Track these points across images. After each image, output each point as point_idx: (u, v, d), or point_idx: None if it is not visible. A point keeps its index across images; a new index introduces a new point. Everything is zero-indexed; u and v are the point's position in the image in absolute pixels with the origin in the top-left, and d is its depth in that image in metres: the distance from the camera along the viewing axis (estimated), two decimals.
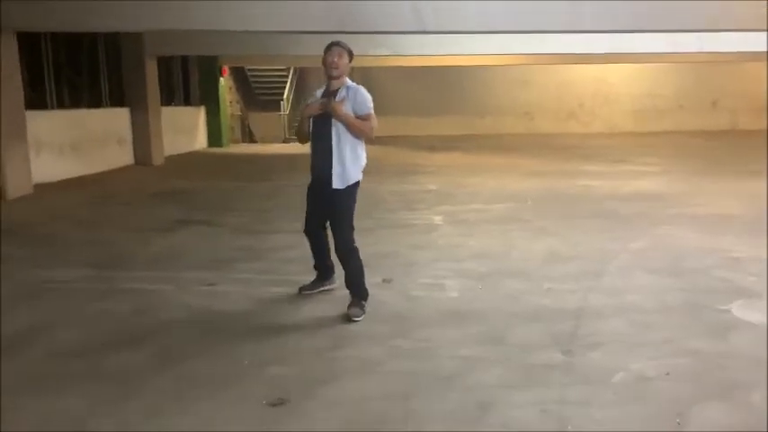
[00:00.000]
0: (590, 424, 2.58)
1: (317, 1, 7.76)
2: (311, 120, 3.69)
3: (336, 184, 3.63)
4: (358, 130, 3.61)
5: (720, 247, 5.46)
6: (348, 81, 3.70)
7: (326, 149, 3.61)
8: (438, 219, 6.71)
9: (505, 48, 13.07)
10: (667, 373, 3.02)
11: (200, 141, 16.24)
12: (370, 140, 3.73)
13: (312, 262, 4.11)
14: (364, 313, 3.68)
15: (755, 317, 3.81)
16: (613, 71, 19.54)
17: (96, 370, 3.09)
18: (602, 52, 13.31)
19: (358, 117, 3.59)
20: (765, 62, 15.32)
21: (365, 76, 20.89)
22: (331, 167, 3.61)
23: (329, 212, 3.73)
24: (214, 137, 16.58)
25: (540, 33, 10.84)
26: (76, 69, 11.28)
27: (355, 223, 3.77)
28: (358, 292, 3.74)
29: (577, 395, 2.83)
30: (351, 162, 3.63)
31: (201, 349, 3.33)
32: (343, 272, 3.85)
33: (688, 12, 8.24)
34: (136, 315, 3.85)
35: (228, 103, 17.62)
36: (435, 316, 3.80)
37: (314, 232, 3.90)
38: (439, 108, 19.93)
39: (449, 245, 5.61)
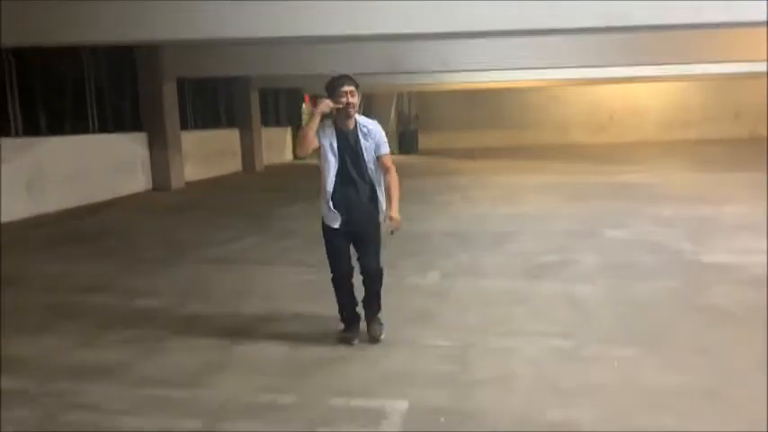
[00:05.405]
0: (484, 262, 5.82)
1: (374, 49, 11.36)
2: (337, 163, 3.56)
3: (380, 216, 3.64)
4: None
5: (632, 209, 8.48)
6: (358, 116, 3.61)
7: (368, 189, 3.62)
8: (456, 198, 10.08)
9: (541, 74, 16.23)
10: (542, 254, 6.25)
11: (288, 155, 20.22)
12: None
13: (333, 314, 3.88)
14: (384, 327, 3.77)
15: (611, 234, 6.91)
16: (641, 86, 22.13)
17: (262, 252, 6.65)
18: (625, 76, 16.26)
19: (378, 157, 3.60)
20: None
21: (421, 98, 24.49)
22: (376, 204, 3.64)
23: (365, 244, 3.66)
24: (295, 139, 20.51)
25: (543, 69, 14.02)
26: (203, 99, 15.41)
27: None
28: (378, 308, 3.78)
29: (486, 256, 6.08)
30: (381, 193, 3.67)
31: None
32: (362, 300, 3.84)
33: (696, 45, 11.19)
34: (279, 235, 7.42)
35: None
36: (434, 233, 7.14)
37: (347, 275, 3.72)
38: (484, 123, 23.29)
39: (456, 209, 9.02)
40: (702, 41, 11.10)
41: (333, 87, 3.50)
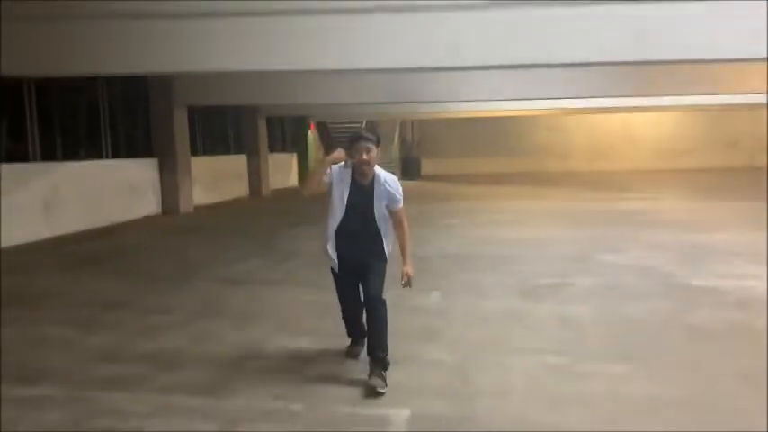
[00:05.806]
0: (484, 284, 6.06)
1: (377, 79, 11.74)
2: (344, 213, 3.56)
3: (385, 257, 3.66)
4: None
5: (629, 234, 8.75)
6: (377, 169, 3.57)
7: (373, 233, 3.60)
8: (456, 222, 10.37)
9: (540, 104, 16.64)
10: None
11: (293, 179, 20.59)
12: None
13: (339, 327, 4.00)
14: (386, 385, 3.40)
15: (607, 258, 7.15)
16: (641, 115, 22.56)
17: (271, 269, 6.91)
18: (625, 105, 16.67)
19: (390, 210, 3.61)
20: None
21: (423, 125, 24.92)
22: (382, 245, 3.63)
23: (369, 274, 3.57)
24: (303, 176, 20.88)
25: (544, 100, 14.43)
26: (213, 125, 15.81)
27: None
28: (380, 348, 3.50)
29: (485, 277, 6.32)
30: (389, 235, 3.69)
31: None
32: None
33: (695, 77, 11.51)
34: (283, 257, 7.67)
35: (314, 150, 22.03)
36: (435, 255, 7.37)
37: (356, 311, 3.78)
38: (484, 150, 23.72)
39: (455, 232, 9.34)
40: (700, 73, 11.47)
41: (351, 141, 3.51)
